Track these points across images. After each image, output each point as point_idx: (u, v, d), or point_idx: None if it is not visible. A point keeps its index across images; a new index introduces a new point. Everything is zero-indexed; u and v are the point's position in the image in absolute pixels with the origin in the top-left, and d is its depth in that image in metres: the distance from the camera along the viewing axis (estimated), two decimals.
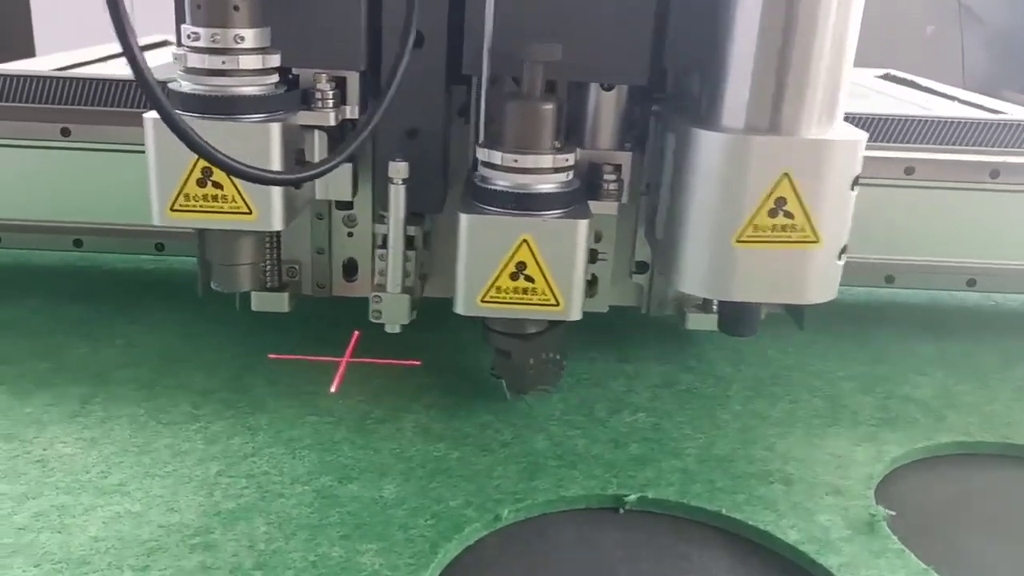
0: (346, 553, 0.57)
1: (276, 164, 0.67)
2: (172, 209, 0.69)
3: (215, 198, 0.69)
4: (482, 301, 0.70)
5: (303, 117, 0.71)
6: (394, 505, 0.62)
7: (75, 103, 0.91)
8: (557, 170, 0.68)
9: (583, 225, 0.68)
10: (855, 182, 0.66)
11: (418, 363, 0.83)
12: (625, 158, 0.75)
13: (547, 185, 0.68)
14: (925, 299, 1.05)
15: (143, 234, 0.94)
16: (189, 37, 0.65)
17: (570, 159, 0.69)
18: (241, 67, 0.66)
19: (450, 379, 0.81)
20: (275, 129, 0.67)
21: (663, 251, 0.74)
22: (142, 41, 1.54)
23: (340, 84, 0.72)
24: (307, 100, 0.71)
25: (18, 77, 0.91)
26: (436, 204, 0.78)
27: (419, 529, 0.60)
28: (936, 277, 0.95)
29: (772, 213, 0.66)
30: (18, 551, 0.56)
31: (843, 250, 0.68)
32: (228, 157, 0.60)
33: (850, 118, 0.69)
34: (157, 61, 0.99)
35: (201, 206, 0.69)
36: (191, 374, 0.79)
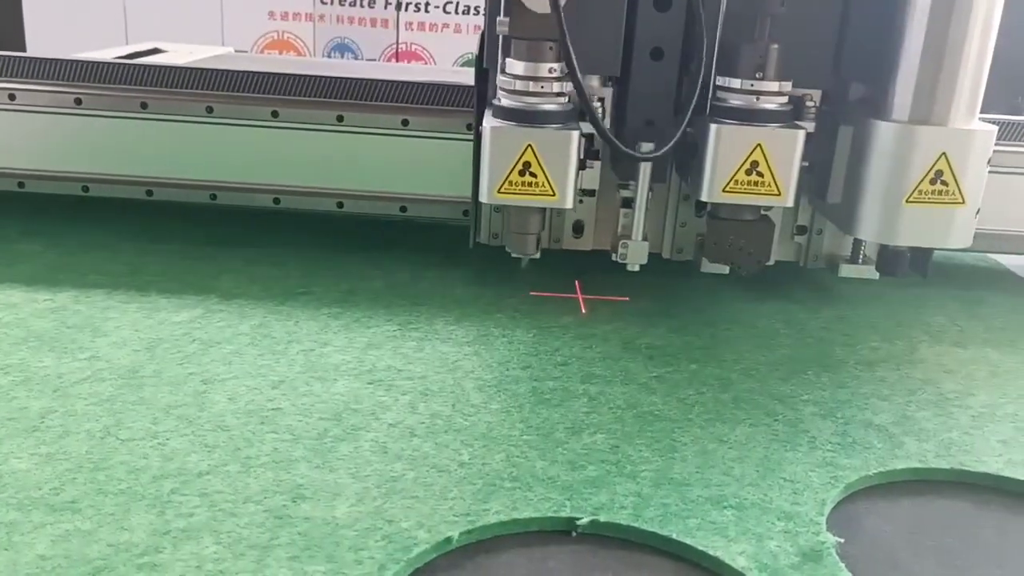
0: (294, 575, 0.57)
1: (575, 160, 0.94)
2: (498, 191, 0.94)
3: (530, 184, 0.94)
4: (723, 191, 0.93)
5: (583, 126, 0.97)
6: (345, 526, 0.62)
7: (216, 88, 1.15)
8: (778, 94, 0.93)
9: (801, 134, 0.93)
10: (989, 161, 0.91)
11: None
12: (817, 94, 1.01)
13: (771, 104, 0.93)
14: (892, 323, 1.05)
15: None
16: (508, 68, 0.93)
17: (787, 87, 0.93)
18: (554, 90, 0.93)
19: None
20: (574, 136, 0.94)
21: (841, 210, 0.98)
22: (136, 48, 1.54)
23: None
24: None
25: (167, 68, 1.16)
26: (662, 176, 1.03)
27: (369, 551, 0.60)
28: None
29: (932, 181, 0.91)
30: None
31: (978, 210, 0.93)
32: (618, 142, 0.91)
33: None
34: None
35: (519, 189, 0.94)
36: (154, 389, 0.79)
